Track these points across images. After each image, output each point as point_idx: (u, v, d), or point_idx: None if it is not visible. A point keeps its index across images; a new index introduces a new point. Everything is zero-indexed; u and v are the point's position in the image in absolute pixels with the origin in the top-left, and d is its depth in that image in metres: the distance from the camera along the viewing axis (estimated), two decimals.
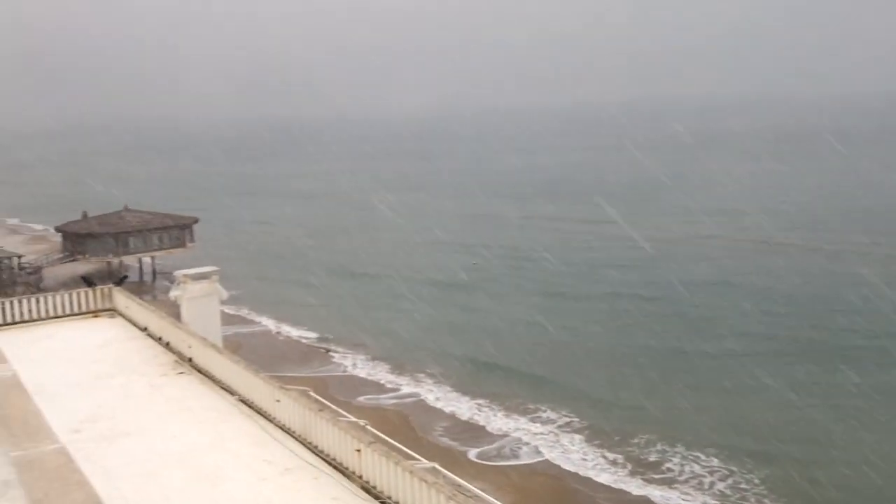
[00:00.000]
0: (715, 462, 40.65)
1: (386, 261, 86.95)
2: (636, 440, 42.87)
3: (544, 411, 46.69)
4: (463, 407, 47.74)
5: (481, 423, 45.78)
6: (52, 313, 29.90)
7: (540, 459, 41.34)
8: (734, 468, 40.03)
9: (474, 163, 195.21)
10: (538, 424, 45.11)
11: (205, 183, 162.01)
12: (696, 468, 40.22)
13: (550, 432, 44.18)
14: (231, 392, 20.58)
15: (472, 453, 41.93)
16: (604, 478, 39.42)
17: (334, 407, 17.75)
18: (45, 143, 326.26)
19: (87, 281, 33.64)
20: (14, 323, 29.05)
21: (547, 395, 48.58)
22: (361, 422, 16.35)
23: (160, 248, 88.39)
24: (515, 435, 44.04)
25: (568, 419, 45.51)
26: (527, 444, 42.98)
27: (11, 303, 30.05)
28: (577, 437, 43.51)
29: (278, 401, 18.09)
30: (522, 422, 45.57)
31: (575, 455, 41.63)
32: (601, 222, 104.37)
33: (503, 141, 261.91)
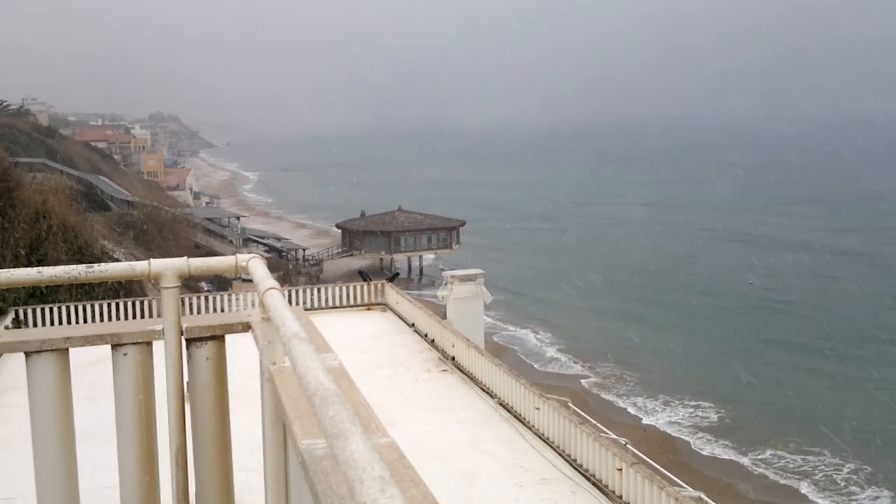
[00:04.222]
0: None
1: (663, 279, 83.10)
2: None
3: (825, 455, 42.49)
4: (730, 440, 44.81)
5: (749, 456, 42.80)
6: (331, 303, 32.12)
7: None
8: None
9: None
10: (821, 468, 41.20)
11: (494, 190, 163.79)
12: None
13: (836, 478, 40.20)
14: (491, 394, 20.83)
15: (741, 487, 39.38)
16: None
17: (594, 422, 17.33)
18: (334, 146, 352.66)
19: (363, 275, 35.81)
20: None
21: (828, 441, 44.01)
22: (622, 440, 15.80)
23: (428, 249, 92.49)
24: (787, 472, 40.76)
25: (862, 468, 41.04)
26: (801, 485, 39.54)
27: (296, 291, 32.70)
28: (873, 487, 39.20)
29: (538, 409, 18.01)
30: (797, 461, 41.96)
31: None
32: None
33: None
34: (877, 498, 38.45)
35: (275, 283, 3.68)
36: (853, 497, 38.71)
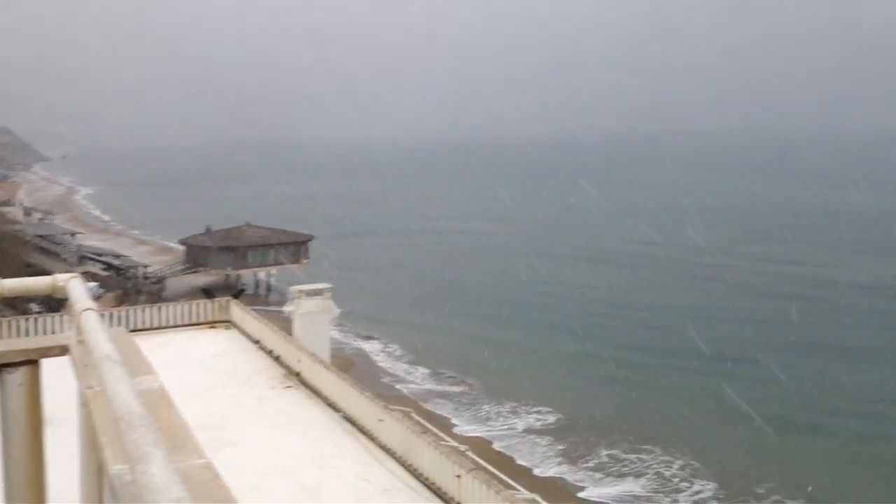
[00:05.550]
0: None
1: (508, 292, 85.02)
2: None
3: (655, 453, 45.12)
4: (565, 444, 46.65)
5: (584, 457, 44.86)
6: (172, 322, 31.10)
7: None
8: None
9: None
10: (654, 465, 43.85)
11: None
12: None
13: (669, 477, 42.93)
14: (336, 409, 20.89)
15: (576, 490, 41.23)
16: None
17: (436, 430, 17.75)
18: (185, 158, 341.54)
19: (207, 293, 34.98)
20: (138, 330, 30.35)
21: (658, 441, 46.64)
22: (463, 447, 16.29)
23: (276, 264, 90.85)
24: (620, 473, 43.05)
25: (690, 469, 43.96)
26: (633, 483, 41.92)
27: (135, 311, 31.54)
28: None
29: (381, 420, 18.25)
30: (631, 460, 44.33)
31: None
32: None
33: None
34: (700, 491, 41.29)
35: (91, 304, 3.71)
36: (681, 490, 41.45)
